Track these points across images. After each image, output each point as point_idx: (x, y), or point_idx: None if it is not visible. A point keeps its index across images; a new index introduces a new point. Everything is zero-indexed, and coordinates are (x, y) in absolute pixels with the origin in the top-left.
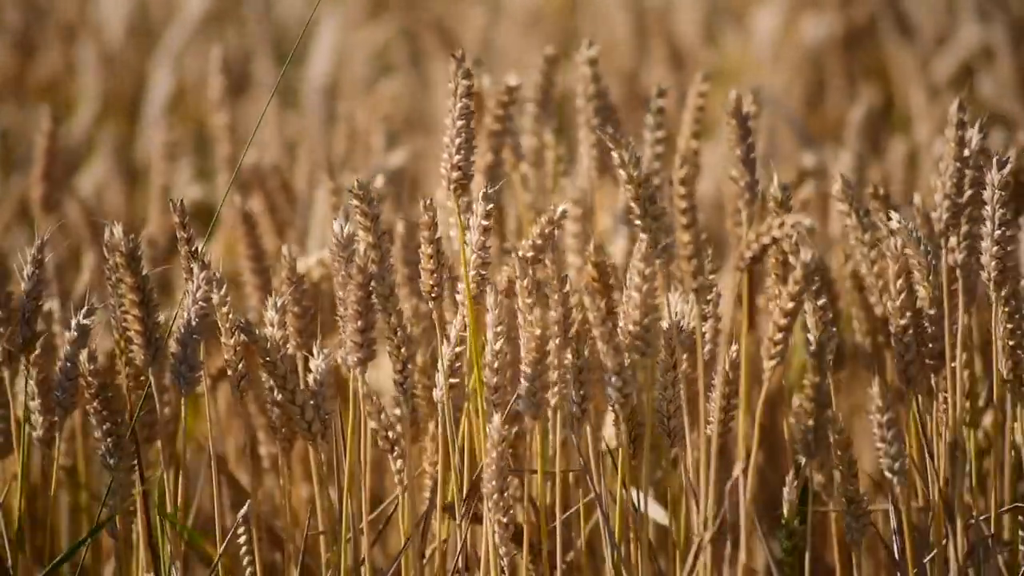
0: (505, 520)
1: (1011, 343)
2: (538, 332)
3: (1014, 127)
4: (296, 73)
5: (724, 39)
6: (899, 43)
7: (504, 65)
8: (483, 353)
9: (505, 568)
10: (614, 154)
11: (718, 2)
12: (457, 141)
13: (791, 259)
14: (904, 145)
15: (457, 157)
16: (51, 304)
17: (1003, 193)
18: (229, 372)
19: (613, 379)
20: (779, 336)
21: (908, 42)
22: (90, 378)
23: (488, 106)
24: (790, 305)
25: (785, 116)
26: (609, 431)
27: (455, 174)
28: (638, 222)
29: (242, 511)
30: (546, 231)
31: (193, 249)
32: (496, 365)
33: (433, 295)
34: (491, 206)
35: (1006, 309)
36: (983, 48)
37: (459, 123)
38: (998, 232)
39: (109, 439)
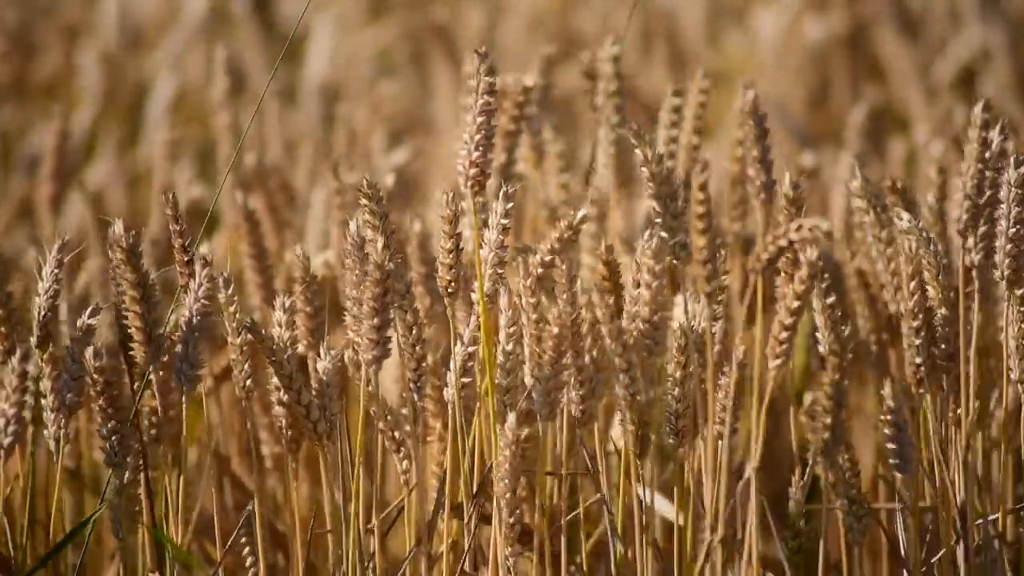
0: (512, 520)
1: None
2: (556, 331)
3: (1017, 129)
4: (298, 74)
5: (727, 39)
6: (901, 44)
7: (506, 65)
8: (495, 354)
9: (512, 568)
10: (637, 151)
11: (721, 2)
12: (476, 138)
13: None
14: (903, 146)
15: (476, 154)
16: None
17: (1020, 191)
18: (234, 372)
19: (621, 378)
20: (784, 335)
21: (910, 43)
22: (96, 375)
23: (504, 106)
24: (795, 304)
25: (783, 116)
26: (616, 431)
27: (473, 171)
28: (659, 220)
29: (245, 512)
30: (566, 236)
31: (187, 244)
32: (508, 366)
33: (450, 291)
34: (510, 205)
35: (1021, 309)
36: (985, 50)
37: (479, 119)
38: (1013, 230)
39: (114, 437)
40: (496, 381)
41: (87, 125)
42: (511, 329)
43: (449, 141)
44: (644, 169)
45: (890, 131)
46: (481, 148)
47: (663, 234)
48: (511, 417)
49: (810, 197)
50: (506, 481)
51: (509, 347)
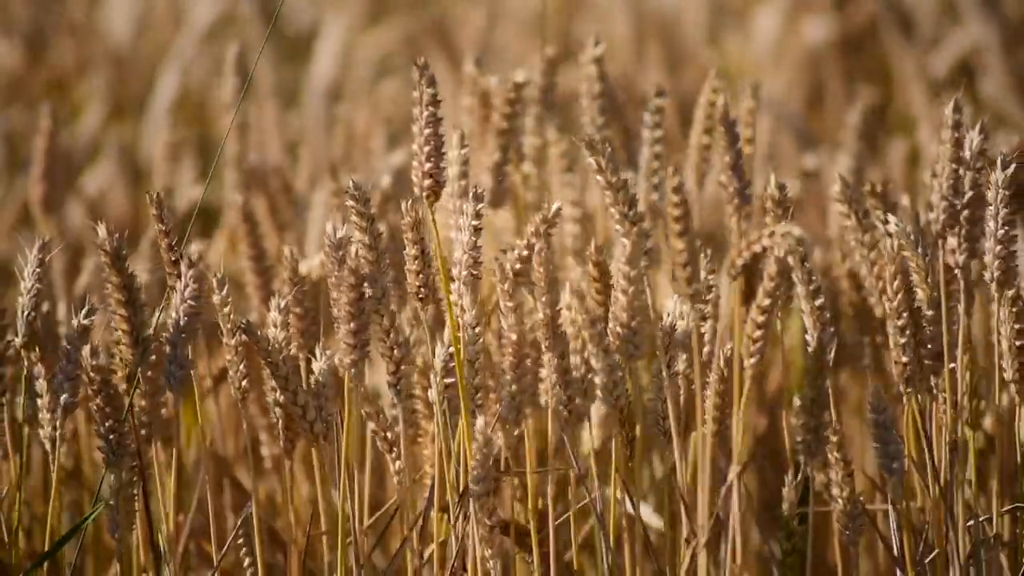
0: (491, 522)
1: (1018, 344)
2: (514, 337)
3: (1014, 128)
4: (299, 75)
5: (725, 40)
6: (899, 44)
7: (504, 66)
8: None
9: (492, 569)
10: (591, 160)
11: (719, 3)
12: (426, 148)
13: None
14: (904, 146)
15: (428, 164)
16: (53, 305)
17: (1006, 192)
18: (230, 373)
19: (603, 382)
20: (757, 334)
21: (908, 43)
22: (92, 374)
23: (495, 104)
24: (766, 302)
25: (785, 117)
26: (594, 431)
27: (427, 181)
28: (618, 227)
29: (243, 512)
30: (541, 230)
31: (173, 244)
32: (477, 365)
33: (420, 296)
34: (481, 206)
35: (1013, 310)
36: (981, 48)
37: (427, 131)
38: (1001, 231)
39: (111, 437)
40: (464, 381)
41: (95, 126)
42: (476, 329)
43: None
44: (599, 178)
45: (892, 131)
46: (432, 159)
47: (624, 240)
48: (480, 419)
49: (809, 198)
50: (480, 483)
51: (475, 347)
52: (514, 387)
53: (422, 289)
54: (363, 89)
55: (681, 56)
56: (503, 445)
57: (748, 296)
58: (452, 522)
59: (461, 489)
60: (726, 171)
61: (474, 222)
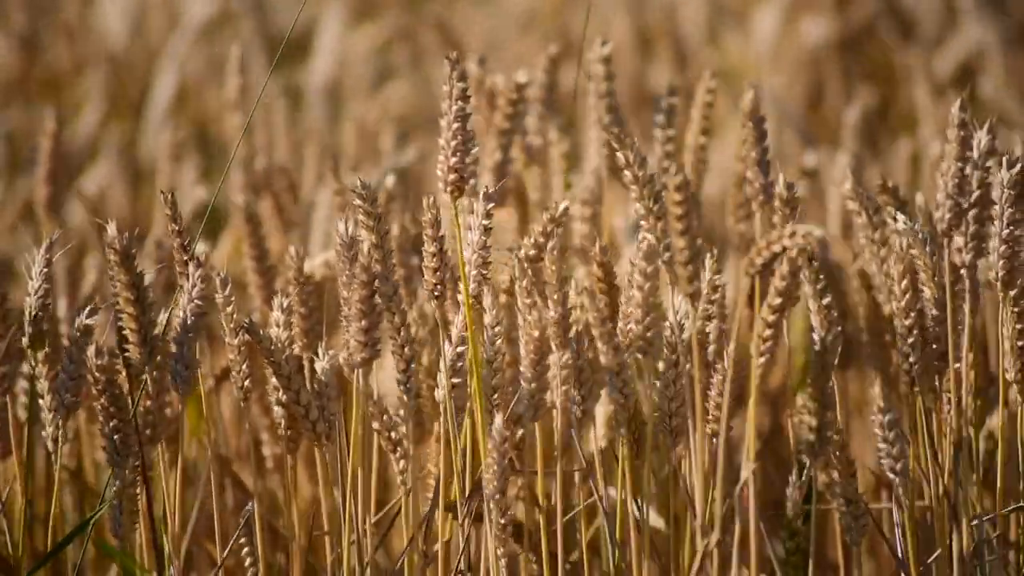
0: (504, 521)
1: (1019, 343)
2: (536, 334)
3: (1015, 127)
4: (294, 74)
5: (725, 39)
6: (899, 44)
7: (503, 65)
8: (481, 355)
9: (504, 569)
10: (619, 154)
11: (719, 2)
12: (453, 143)
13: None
14: (908, 145)
15: (453, 159)
16: (58, 305)
17: (1012, 192)
18: (232, 373)
19: (614, 379)
20: (767, 332)
21: (908, 43)
22: (97, 374)
23: (498, 104)
24: (777, 301)
25: (786, 115)
26: (599, 431)
27: (452, 176)
28: (643, 222)
29: (244, 512)
30: (548, 229)
31: (186, 243)
32: (495, 365)
33: (436, 294)
34: (492, 205)
35: (1015, 309)
36: (982, 49)
37: (455, 125)
38: (1006, 231)
39: (116, 436)
40: (483, 381)
41: (92, 126)
42: (496, 328)
43: None
44: (627, 173)
45: (896, 131)
46: (459, 154)
47: (648, 236)
48: (498, 418)
49: (809, 197)
50: (495, 482)
51: (494, 347)
52: (534, 385)
53: (438, 287)
54: (364, 87)
55: (682, 56)
56: (510, 444)
57: (754, 296)
58: (461, 521)
59: (470, 488)
60: (752, 167)
61: (484, 221)
